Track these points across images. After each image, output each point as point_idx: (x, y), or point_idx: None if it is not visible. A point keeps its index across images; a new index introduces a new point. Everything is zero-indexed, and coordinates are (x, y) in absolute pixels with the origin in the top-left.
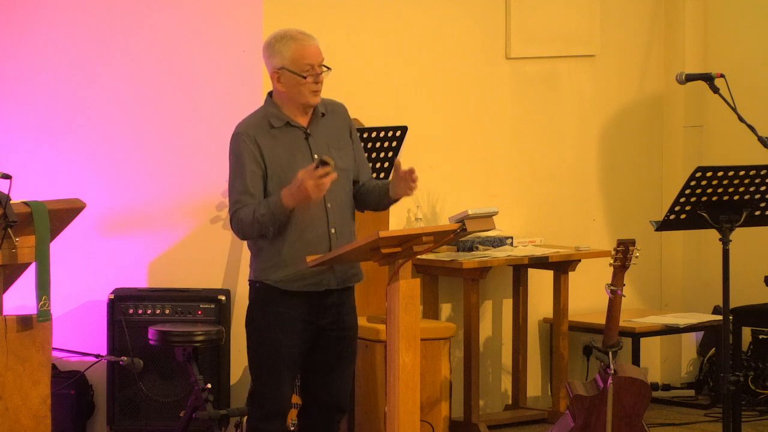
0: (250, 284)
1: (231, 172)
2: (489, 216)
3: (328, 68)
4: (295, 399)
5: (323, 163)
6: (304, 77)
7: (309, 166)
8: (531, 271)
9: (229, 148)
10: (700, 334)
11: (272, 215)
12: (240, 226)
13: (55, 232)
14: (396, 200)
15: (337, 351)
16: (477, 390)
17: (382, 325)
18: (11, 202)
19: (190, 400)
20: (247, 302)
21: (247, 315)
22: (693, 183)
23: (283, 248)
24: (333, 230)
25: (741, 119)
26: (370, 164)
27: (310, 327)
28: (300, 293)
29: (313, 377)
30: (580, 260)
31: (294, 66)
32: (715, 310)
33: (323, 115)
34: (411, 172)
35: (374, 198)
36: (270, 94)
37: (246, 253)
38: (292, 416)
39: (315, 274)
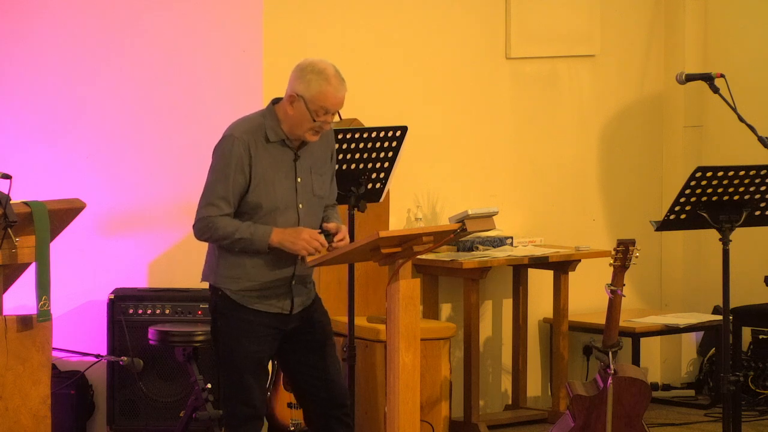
0: (211, 288)
1: (213, 171)
2: (489, 216)
3: (340, 118)
4: (293, 398)
5: (328, 235)
6: (314, 120)
7: (315, 231)
8: (531, 271)
9: (218, 147)
10: (700, 334)
11: (251, 243)
12: (207, 232)
13: (55, 232)
14: None
15: (315, 348)
16: (477, 390)
17: (382, 325)
18: (11, 202)
19: (190, 400)
20: None
21: (212, 322)
22: (693, 183)
23: (247, 262)
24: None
25: (741, 119)
26: (370, 164)
27: (277, 332)
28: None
29: (304, 380)
30: (580, 260)
31: (311, 103)
32: (715, 310)
33: None
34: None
35: None
36: (274, 101)
37: None
38: (293, 416)
39: (275, 297)
